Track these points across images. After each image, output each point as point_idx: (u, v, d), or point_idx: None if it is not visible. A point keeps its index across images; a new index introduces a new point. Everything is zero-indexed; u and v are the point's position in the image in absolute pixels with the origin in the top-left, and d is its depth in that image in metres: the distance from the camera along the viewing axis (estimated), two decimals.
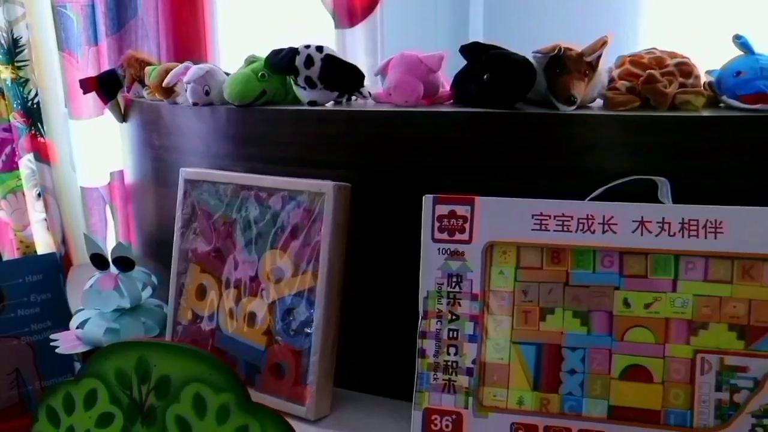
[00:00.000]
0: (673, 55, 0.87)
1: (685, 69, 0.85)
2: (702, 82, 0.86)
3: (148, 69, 1.16)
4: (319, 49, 0.95)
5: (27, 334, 1.03)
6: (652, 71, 0.82)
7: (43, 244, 1.53)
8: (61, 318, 1.05)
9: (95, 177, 1.53)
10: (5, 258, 1.49)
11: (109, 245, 1.51)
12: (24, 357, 1.03)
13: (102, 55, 1.52)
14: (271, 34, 1.85)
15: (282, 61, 0.95)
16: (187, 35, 1.61)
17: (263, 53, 1.00)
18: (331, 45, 1.58)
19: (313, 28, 1.91)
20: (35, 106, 1.50)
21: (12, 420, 1.00)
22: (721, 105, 0.83)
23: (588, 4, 1.71)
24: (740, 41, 0.83)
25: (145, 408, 0.70)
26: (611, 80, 0.86)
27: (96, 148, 1.51)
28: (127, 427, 0.71)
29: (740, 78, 0.81)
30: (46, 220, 1.53)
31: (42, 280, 1.04)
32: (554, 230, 0.73)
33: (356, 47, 1.95)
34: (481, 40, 0.88)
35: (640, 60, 0.86)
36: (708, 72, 0.88)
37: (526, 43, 0.85)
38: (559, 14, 1.70)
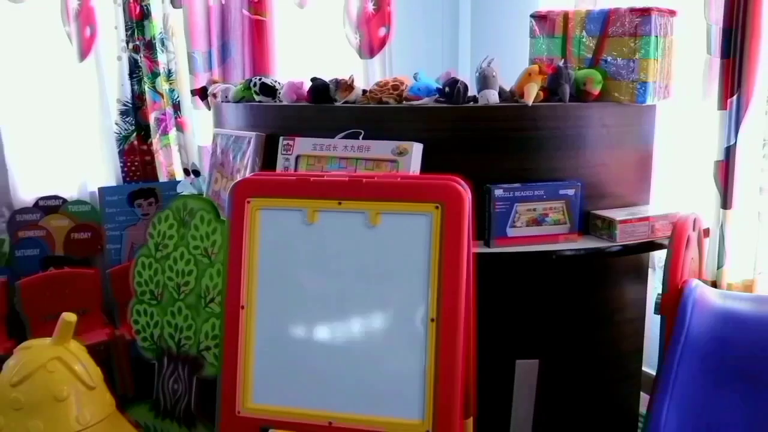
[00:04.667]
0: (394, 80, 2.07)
1: (397, 85, 2.05)
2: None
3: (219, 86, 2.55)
4: (259, 79, 2.26)
5: None
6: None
7: (179, 173, 2.99)
8: None
9: (204, 140, 2.96)
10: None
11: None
12: None
13: (214, 76, 2.94)
14: (317, 63, 3.11)
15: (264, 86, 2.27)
16: (259, 65, 3.00)
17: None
18: (358, 70, 2.93)
19: (346, 59, 3.21)
20: (178, 101, 2.96)
21: None
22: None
23: None
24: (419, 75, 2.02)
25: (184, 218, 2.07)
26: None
27: (205, 124, 2.93)
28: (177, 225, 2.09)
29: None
30: (181, 160, 2.99)
31: None
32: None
33: (375, 71, 3.23)
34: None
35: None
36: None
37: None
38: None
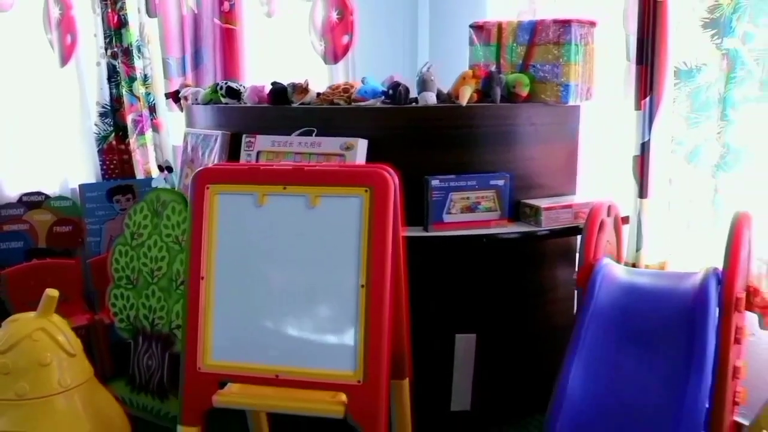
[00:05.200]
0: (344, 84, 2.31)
1: (347, 88, 2.29)
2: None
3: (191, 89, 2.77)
4: (225, 83, 2.49)
5: None
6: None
7: (154, 170, 3.21)
8: None
9: (178, 139, 3.18)
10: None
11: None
12: None
13: (188, 81, 3.17)
14: (284, 69, 3.35)
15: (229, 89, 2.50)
16: (230, 70, 3.23)
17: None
18: (323, 75, 3.16)
19: (312, 65, 3.44)
20: (153, 104, 3.19)
21: None
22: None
23: None
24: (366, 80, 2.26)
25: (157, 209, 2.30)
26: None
27: (178, 125, 3.15)
28: (151, 216, 2.32)
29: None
30: (156, 158, 3.21)
31: None
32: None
33: (339, 76, 3.46)
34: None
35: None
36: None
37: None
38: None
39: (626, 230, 2.38)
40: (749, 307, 2.11)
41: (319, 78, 3.33)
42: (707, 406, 1.79)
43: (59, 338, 1.92)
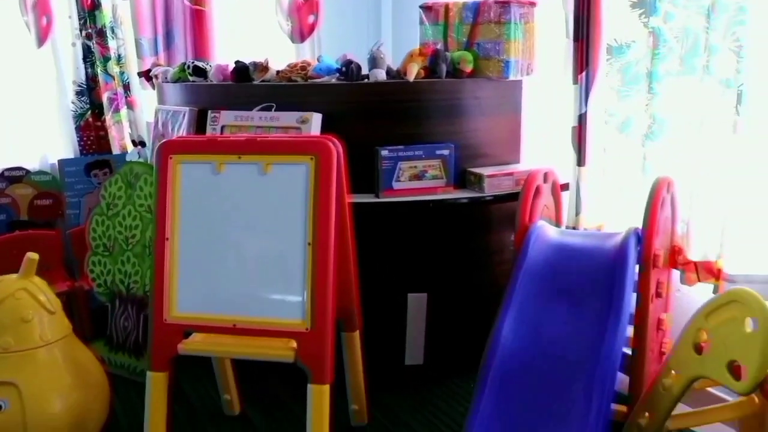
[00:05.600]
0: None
1: (304, 66, 2.47)
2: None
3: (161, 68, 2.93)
4: (192, 62, 2.66)
5: None
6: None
7: (130, 145, 3.37)
8: None
9: (151, 116, 3.34)
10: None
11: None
12: None
13: (160, 60, 3.33)
14: (253, 46, 3.50)
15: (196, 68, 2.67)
16: (200, 49, 3.39)
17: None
18: (291, 54, 3.33)
19: (279, 44, 3.60)
20: (128, 82, 3.35)
21: None
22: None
23: None
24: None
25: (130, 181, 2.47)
26: None
27: (152, 102, 3.31)
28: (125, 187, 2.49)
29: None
30: (130, 134, 3.38)
31: None
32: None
33: (305, 54, 3.62)
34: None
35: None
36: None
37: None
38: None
39: (566, 196, 2.58)
40: (674, 264, 2.32)
41: (286, 56, 3.49)
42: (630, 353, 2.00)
43: (40, 297, 2.10)
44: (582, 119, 2.50)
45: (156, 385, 1.87)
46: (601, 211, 2.55)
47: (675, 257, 2.32)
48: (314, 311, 1.77)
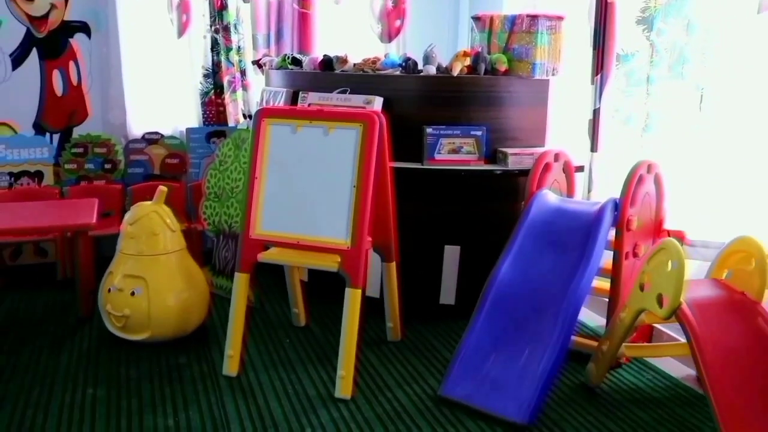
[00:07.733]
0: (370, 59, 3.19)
1: (374, 60, 3.17)
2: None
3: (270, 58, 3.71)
4: (291, 54, 3.40)
5: None
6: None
7: (241, 119, 4.18)
8: None
9: (258, 96, 4.14)
10: None
11: None
12: None
13: (270, 52, 4.12)
14: (348, 44, 4.22)
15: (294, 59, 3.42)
16: (304, 44, 4.16)
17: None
18: (380, 52, 4.06)
19: (371, 43, 4.32)
20: (244, 69, 4.15)
21: None
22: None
23: None
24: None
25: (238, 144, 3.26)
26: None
27: (260, 85, 4.10)
28: (234, 149, 3.28)
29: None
30: (242, 110, 4.18)
31: None
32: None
33: (392, 51, 4.31)
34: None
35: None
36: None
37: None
38: None
39: (581, 177, 3.15)
40: (658, 234, 2.86)
41: (376, 54, 4.18)
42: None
43: (166, 219, 2.90)
44: (596, 114, 3.06)
45: (241, 283, 2.62)
46: (607, 190, 3.11)
47: (660, 228, 2.85)
48: (354, 235, 2.46)
